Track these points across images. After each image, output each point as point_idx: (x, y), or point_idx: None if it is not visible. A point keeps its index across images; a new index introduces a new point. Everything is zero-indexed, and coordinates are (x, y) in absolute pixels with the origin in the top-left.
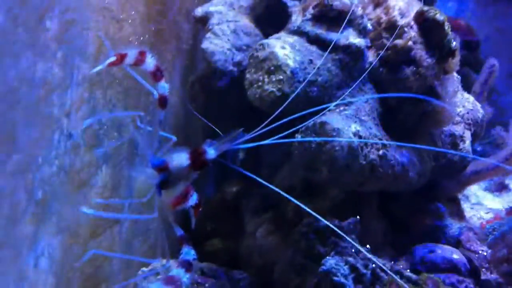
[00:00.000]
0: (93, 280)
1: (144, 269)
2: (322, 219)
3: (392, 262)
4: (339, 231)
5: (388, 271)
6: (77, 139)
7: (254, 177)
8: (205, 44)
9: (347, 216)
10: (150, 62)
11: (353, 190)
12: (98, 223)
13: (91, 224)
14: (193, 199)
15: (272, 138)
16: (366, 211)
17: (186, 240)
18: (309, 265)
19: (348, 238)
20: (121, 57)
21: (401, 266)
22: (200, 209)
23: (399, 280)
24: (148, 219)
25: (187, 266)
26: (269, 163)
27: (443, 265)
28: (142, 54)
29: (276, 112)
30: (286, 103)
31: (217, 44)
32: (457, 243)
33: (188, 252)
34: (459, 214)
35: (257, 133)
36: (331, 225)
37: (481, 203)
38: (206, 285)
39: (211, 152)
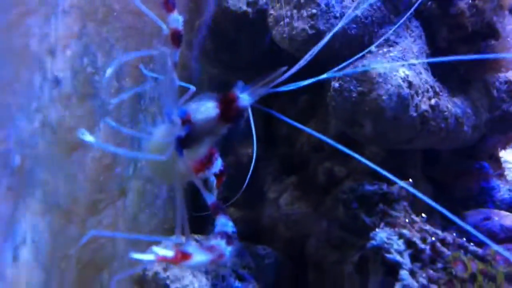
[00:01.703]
0: (91, 268)
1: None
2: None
3: (454, 234)
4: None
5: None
6: (66, 87)
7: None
8: None
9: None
10: None
11: (395, 148)
12: (99, 197)
13: (89, 199)
14: (217, 165)
15: (312, 79)
16: (412, 173)
17: (222, 210)
18: (350, 239)
19: None
20: None
21: (464, 239)
22: (224, 178)
23: (464, 256)
24: (157, 188)
25: (226, 238)
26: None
27: (502, 234)
28: None
29: (310, 52)
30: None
31: None
32: (509, 208)
33: (226, 224)
34: (501, 174)
35: (290, 73)
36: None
37: (506, 161)
38: (228, 264)
39: (245, 98)
